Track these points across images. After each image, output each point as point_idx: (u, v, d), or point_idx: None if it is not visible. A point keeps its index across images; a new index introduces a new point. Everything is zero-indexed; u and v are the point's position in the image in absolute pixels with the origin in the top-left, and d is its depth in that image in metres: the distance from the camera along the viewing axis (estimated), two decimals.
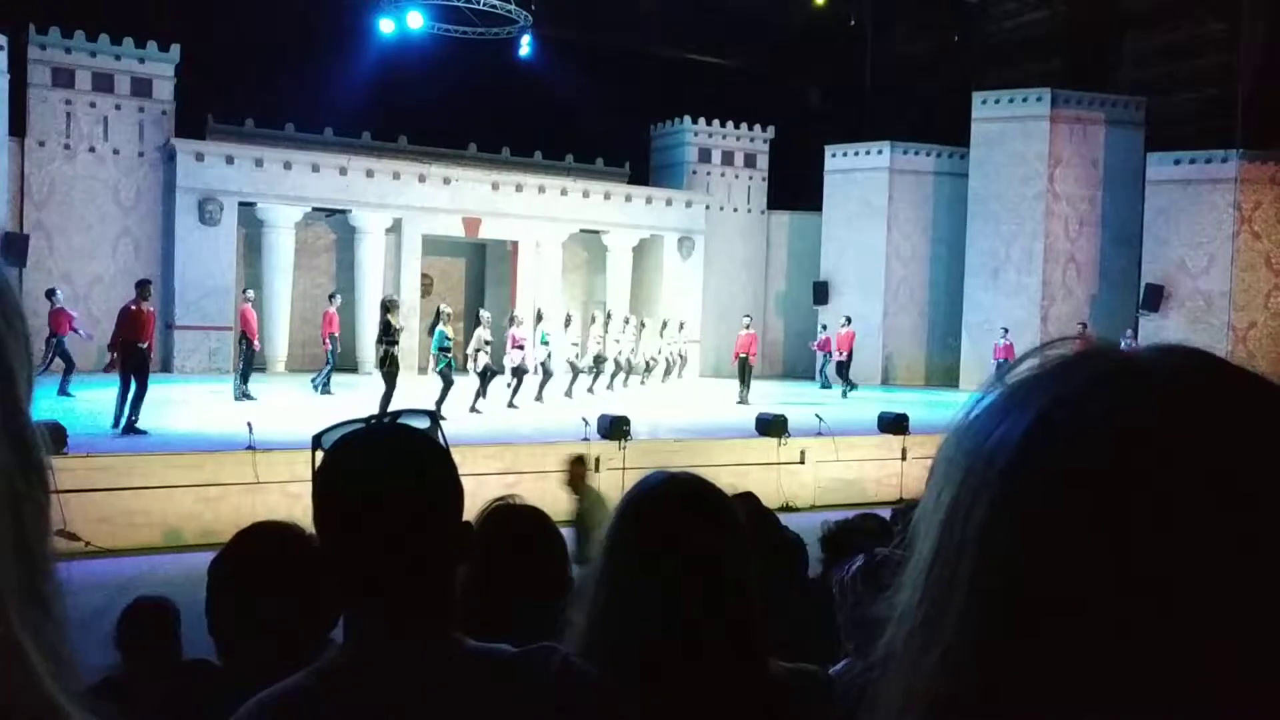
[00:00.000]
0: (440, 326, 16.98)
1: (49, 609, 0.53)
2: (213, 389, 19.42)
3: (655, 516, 1.68)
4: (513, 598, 2.16)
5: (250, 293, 19.86)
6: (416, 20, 25.17)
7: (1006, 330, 23.53)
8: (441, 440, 1.54)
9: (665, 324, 25.53)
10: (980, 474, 0.58)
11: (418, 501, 1.44)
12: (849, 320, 25.35)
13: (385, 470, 1.44)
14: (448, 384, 16.31)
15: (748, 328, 22.83)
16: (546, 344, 20.41)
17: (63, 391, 17.15)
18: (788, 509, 13.72)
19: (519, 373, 18.74)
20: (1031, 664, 0.54)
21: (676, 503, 1.69)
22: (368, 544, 1.42)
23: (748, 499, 2.93)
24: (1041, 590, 0.54)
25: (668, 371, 25.19)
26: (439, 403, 15.34)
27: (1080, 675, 0.53)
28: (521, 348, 18.87)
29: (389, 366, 15.90)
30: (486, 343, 18.07)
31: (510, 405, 18.18)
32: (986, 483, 0.57)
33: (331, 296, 21.05)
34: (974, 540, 0.57)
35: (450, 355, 16.83)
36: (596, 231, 29.28)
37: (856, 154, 29.97)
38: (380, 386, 15.81)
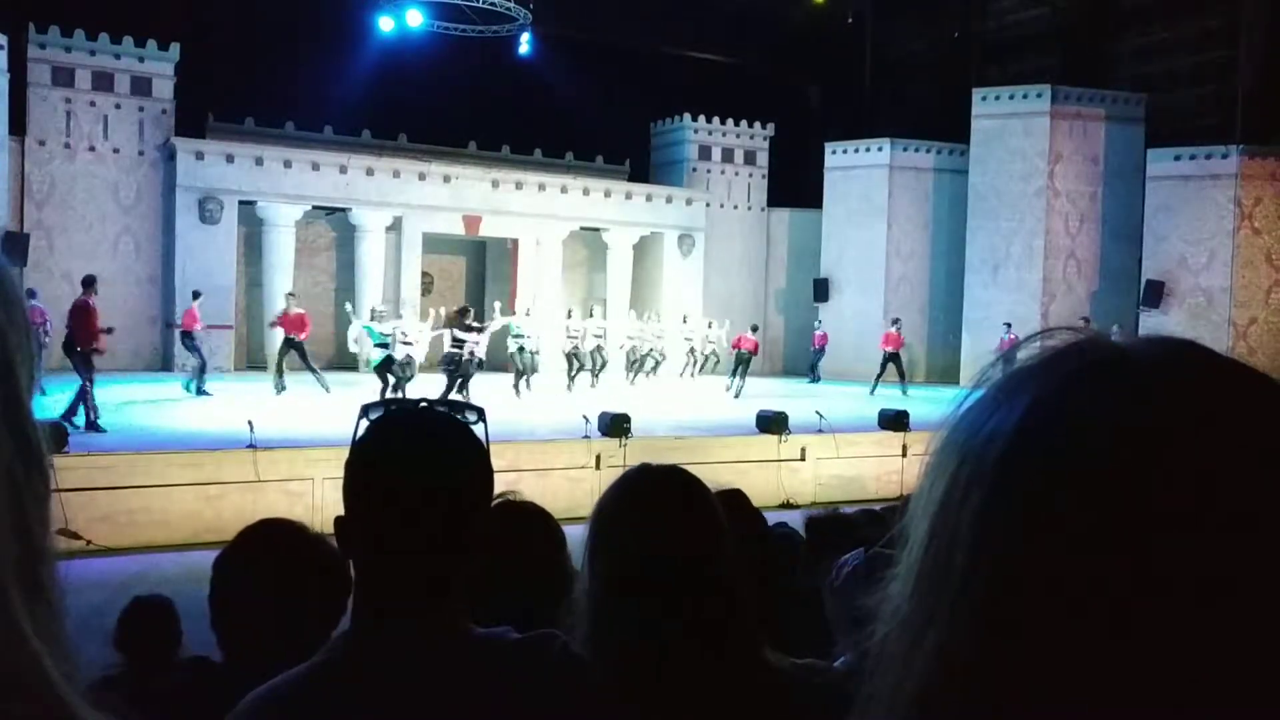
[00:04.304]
0: (371, 324, 17.78)
1: (49, 600, 0.53)
2: (212, 387, 19.40)
3: (630, 512, 1.69)
4: (513, 593, 2.17)
5: (201, 297, 19.87)
6: (416, 18, 25.16)
7: (1010, 325, 23.56)
8: (483, 436, 1.54)
9: (685, 318, 25.53)
10: (973, 466, 0.57)
11: (445, 486, 1.45)
12: (896, 321, 25.24)
13: (419, 451, 1.46)
14: (385, 381, 17.03)
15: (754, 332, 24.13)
16: (519, 337, 20.47)
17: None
18: (789, 506, 13.73)
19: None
20: (1025, 661, 0.54)
21: (652, 498, 1.70)
22: (390, 519, 1.43)
23: (735, 496, 2.93)
24: (1037, 586, 0.53)
25: (695, 367, 25.06)
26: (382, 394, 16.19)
27: (1076, 673, 0.52)
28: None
29: (457, 368, 17.10)
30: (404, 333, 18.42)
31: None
32: (979, 475, 0.57)
33: (289, 296, 20.72)
34: (967, 534, 0.56)
35: (389, 351, 17.51)
36: (596, 229, 29.26)
37: (856, 151, 29.95)
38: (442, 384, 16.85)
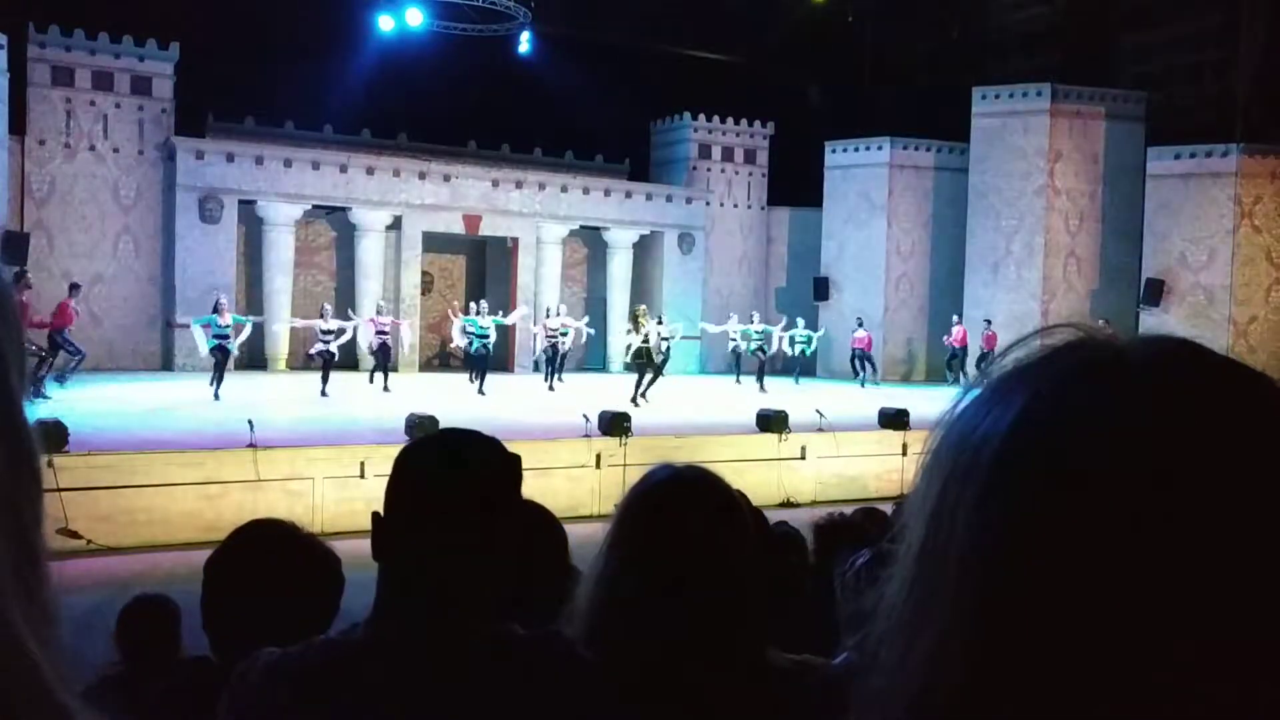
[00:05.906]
0: (211, 314, 18.75)
1: (44, 600, 0.53)
2: (210, 387, 19.41)
3: (659, 512, 1.67)
4: (514, 592, 2.16)
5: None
6: (416, 17, 25.17)
7: (990, 321, 23.84)
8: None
9: (754, 317, 25.58)
10: (968, 466, 0.57)
11: (466, 496, 1.56)
12: (958, 318, 26.08)
13: (451, 462, 1.59)
14: (219, 367, 18.26)
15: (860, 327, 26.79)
16: (479, 329, 20.69)
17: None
18: (789, 504, 13.73)
19: (378, 354, 20.69)
20: (1020, 660, 0.53)
21: (681, 498, 1.69)
22: (412, 520, 1.54)
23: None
24: (1031, 586, 0.53)
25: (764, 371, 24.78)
26: (213, 381, 17.88)
27: (1070, 673, 0.52)
28: (385, 333, 20.70)
29: (640, 359, 19.94)
30: (324, 331, 19.78)
31: (385, 390, 19.72)
32: (974, 475, 0.57)
33: (73, 287, 19.11)
34: (962, 534, 0.56)
35: (227, 340, 18.57)
36: (597, 228, 29.27)
37: (856, 149, 29.94)
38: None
